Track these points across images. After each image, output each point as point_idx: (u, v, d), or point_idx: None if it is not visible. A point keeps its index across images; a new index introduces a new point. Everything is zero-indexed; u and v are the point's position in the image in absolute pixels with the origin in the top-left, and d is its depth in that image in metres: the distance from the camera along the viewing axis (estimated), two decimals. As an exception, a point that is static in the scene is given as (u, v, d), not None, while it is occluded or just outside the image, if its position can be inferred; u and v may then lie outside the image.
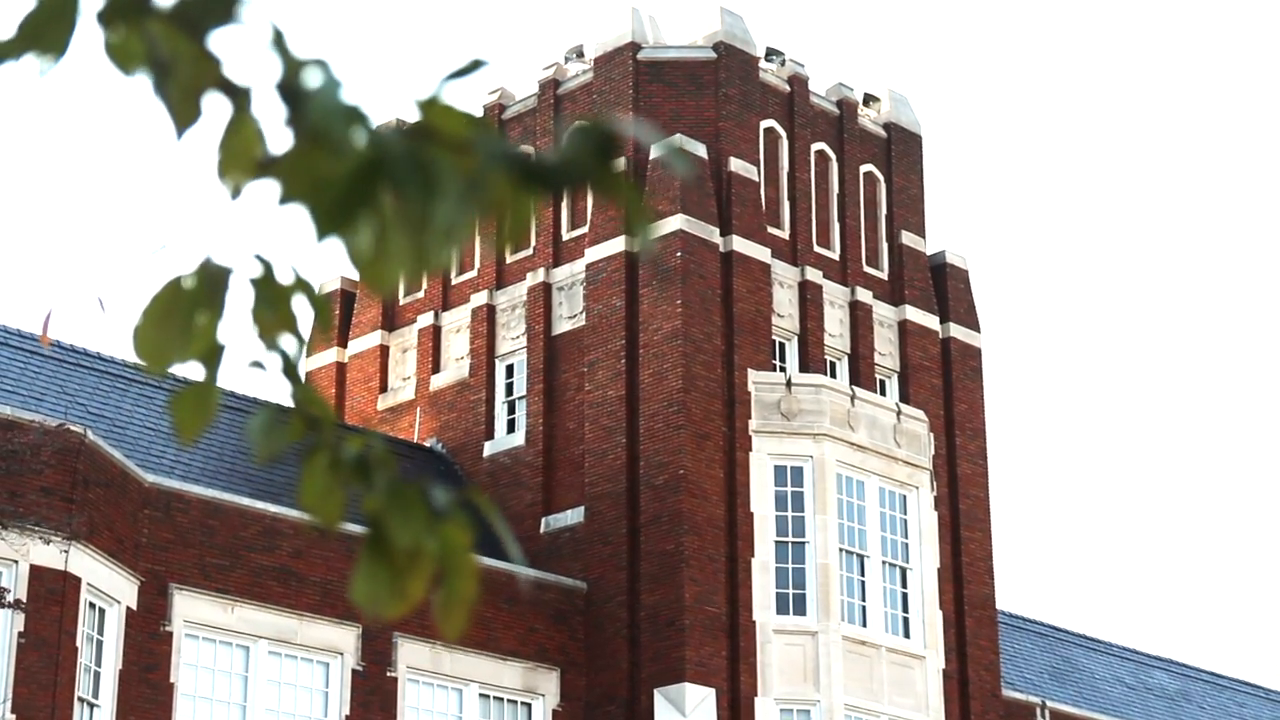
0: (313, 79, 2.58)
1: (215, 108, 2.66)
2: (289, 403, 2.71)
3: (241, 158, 2.61)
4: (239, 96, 2.61)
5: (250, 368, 2.71)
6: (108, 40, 2.61)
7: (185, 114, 2.62)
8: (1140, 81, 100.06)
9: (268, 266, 2.65)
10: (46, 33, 2.63)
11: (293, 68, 2.57)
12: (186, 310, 2.63)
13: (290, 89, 2.56)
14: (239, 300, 2.67)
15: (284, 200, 2.57)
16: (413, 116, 2.63)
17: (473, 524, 2.67)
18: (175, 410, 2.69)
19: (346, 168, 2.53)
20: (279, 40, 2.57)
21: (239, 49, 2.61)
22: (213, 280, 2.63)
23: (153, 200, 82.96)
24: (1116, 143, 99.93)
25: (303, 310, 2.67)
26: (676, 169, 2.92)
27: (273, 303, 2.64)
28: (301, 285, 2.65)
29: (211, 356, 2.66)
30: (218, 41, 2.62)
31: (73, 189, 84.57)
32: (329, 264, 42.54)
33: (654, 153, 35.92)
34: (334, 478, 2.69)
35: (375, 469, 2.70)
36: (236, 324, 2.71)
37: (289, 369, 2.66)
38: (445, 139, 2.57)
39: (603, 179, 2.58)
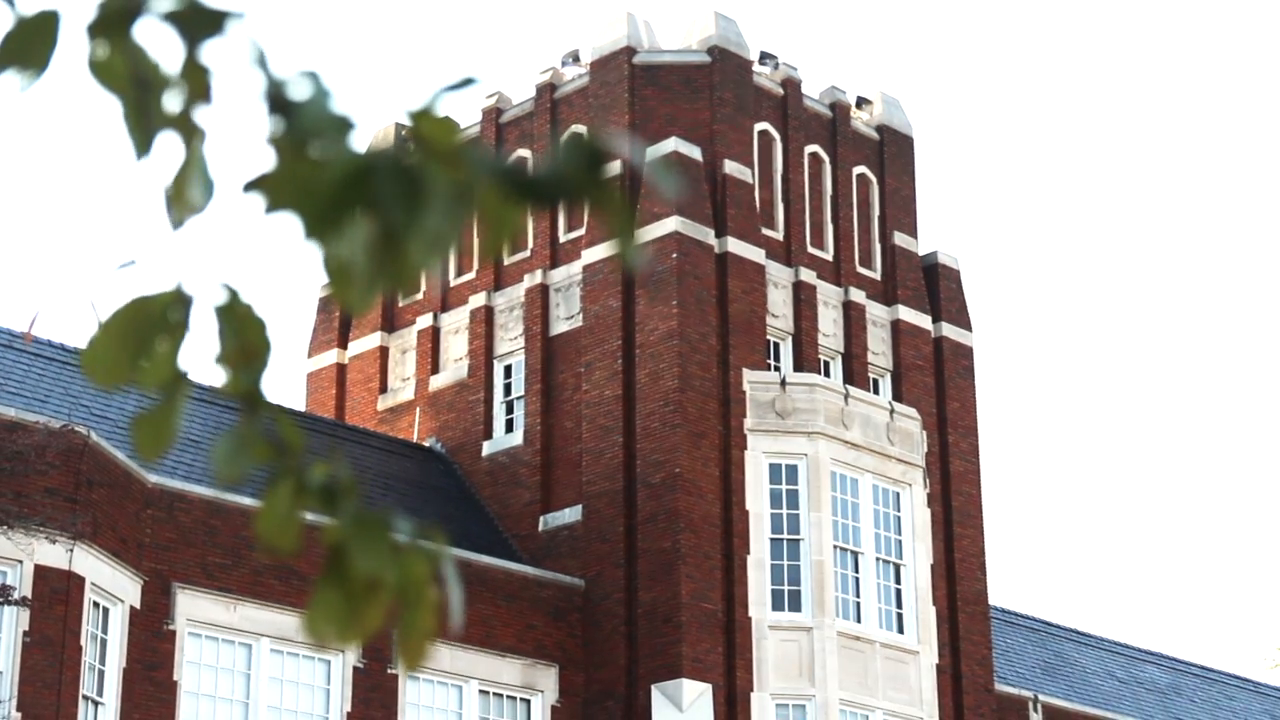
0: (301, 90, 2.55)
1: (171, 139, 2.63)
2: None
3: (191, 192, 2.59)
4: (195, 133, 2.61)
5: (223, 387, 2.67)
6: (91, 57, 2.59)
7: (149, 135, 2.60)
8: (1132, 81, 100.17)
9: (234, 294, 2.61)
10: (27, 49, 2.61)
11: (277, 81, 2.56)
12: (144, 333, 2.59)
13: (278, 101, 2.56)
14: (203, 325, 2.64)
15: (270, 210, 2.56)
16: (407, 124, 2.64)
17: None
18: (136, 432, 2.66)
19: (334, 174, 2.50)
20: (261, 59, 2.58)
21: (221, 67, 2.62)
22: (176, 306, 2.60)
23: (150, 203, 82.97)
24: (1108, 143, 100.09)
25: (271, 335, 2.63)
26: (666, 186, 2.96)
27: (238, 331, 2.60)
28: (253, 322, 2.63)
29: (174, 383, 2.61)
30: (208, 54, 2.61)
31: (73, 191, 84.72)
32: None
33: (648, 158, 36.21)
34: (296, 504, 2.65)
35: (340, 496, 2.64)
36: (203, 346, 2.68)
37: (254, 396, 2.63)
38: (435, 150, 2.53)
39: (593, 194, 2.54)
